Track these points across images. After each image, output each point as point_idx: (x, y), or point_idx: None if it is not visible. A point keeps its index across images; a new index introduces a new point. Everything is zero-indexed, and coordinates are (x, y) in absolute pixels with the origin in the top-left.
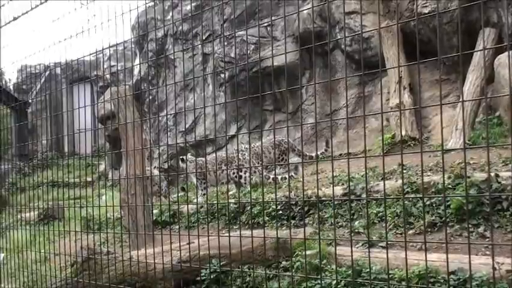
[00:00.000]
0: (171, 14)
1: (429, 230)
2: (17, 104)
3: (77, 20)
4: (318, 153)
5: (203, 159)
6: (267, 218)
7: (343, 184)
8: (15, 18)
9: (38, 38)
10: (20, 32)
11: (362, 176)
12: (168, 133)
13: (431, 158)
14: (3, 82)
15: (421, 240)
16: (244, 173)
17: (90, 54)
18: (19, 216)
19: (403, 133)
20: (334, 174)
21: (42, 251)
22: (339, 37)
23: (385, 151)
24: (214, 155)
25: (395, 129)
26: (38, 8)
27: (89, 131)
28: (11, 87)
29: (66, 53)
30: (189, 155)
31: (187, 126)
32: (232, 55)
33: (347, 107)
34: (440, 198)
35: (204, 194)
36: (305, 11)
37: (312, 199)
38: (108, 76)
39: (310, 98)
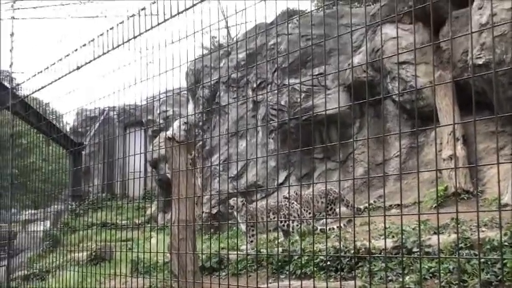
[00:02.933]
0: (224, 61)
1: None
2: (75, 148)
3: (135, 67)
4: (367, 204)
5: (253, 205)
6: (316, 268)
7: (393, 237)
8: (78, 68)
9: (99, 84)
10: (83, 79)
11: (413, 229)
12: (218, 178)
13: (485, 212)
14: (62, 125)
15: None
16: (293, 222)
17: (147, 101)
18: (69, 256)
19: (456, 185)
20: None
21: None
22: (390, 87)
23: (437, 203)
24: (263, 202)
25: (448, 181)
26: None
27: (140, 175)
28: (68, 130)
29: (123, 98)
30: (233, 201)
31: (236, 172)
32: (283, 103)
33: (400, 157)
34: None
35: (252, 241)
36: (356, 61)
37: (361, 252)
38: (160, 121)
39: (360, 147)
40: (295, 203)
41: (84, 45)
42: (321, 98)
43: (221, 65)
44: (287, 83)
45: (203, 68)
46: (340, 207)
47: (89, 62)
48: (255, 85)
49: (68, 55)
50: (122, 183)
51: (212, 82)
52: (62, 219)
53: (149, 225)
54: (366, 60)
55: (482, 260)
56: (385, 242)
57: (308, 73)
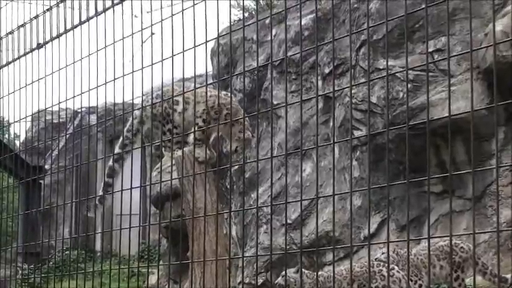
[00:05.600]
0: (276, 31)
1: None
2: (31, 177)
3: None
4: None
5: (324, 273)
6: None
7: None
8: (40, 46)
9: (71, 71)
10: (47, 63)
11: None
12: (263, 227)
13: None
14: (7, 138)
15: None
16: None
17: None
18: None
19: None
20: None
21: None
22: None
23: None
24: (343, 267)
25: None
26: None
27: (140, 220)
28: (19, 146)
29: (109, 93)
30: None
31: (297, 216)
32: (375, 100)
33: None
34: None
35: None
36: (499, 28)
37: None
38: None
39: (507, 175)
40: (396, 268)
41: (50, 9)
42: (439, 91)
43: (272, 36)
44: (382, 67)
45: (243, 41)
46: (474, 276)
47: (58, 37)
48: (327, 70)
49: (23, 25)
50: (108, 234)
51: (253, 65)
52: None
53: None
54: None
55: None
56: None
57: (417, 50)
